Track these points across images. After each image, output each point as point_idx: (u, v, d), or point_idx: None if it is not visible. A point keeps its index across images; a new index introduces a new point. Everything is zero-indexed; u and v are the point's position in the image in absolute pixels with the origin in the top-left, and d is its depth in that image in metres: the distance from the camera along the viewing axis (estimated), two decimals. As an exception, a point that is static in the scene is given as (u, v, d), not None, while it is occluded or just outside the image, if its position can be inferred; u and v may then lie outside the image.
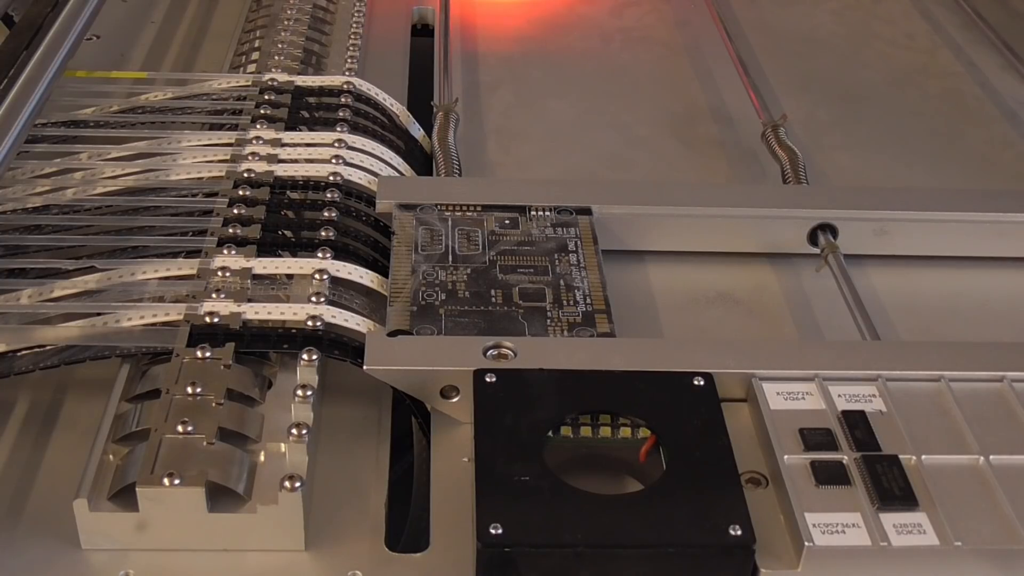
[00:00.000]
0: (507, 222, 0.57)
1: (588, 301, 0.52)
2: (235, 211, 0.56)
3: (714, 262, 0.60)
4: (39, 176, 0.59)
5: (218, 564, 0.42)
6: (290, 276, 0.52)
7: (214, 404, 0.45)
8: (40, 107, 0.64)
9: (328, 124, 0.64)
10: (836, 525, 0.41)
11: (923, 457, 0.44)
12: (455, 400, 0.48)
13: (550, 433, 0.45)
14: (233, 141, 0.62)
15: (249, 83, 0.67)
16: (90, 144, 0.62)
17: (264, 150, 0.61)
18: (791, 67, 0.81)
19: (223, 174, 0.59)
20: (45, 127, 0.63)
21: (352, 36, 0.76)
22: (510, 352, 0.48)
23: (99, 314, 0.50)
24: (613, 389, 0.46)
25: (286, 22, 0.76)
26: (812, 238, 0.60)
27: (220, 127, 0.64)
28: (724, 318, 0.57)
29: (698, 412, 0.46)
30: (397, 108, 0.69)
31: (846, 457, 0.44)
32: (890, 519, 0.42)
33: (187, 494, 0.41)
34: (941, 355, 0.49)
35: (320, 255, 0.53)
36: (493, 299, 0.52)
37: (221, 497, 0.42)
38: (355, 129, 0.64)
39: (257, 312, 0.50)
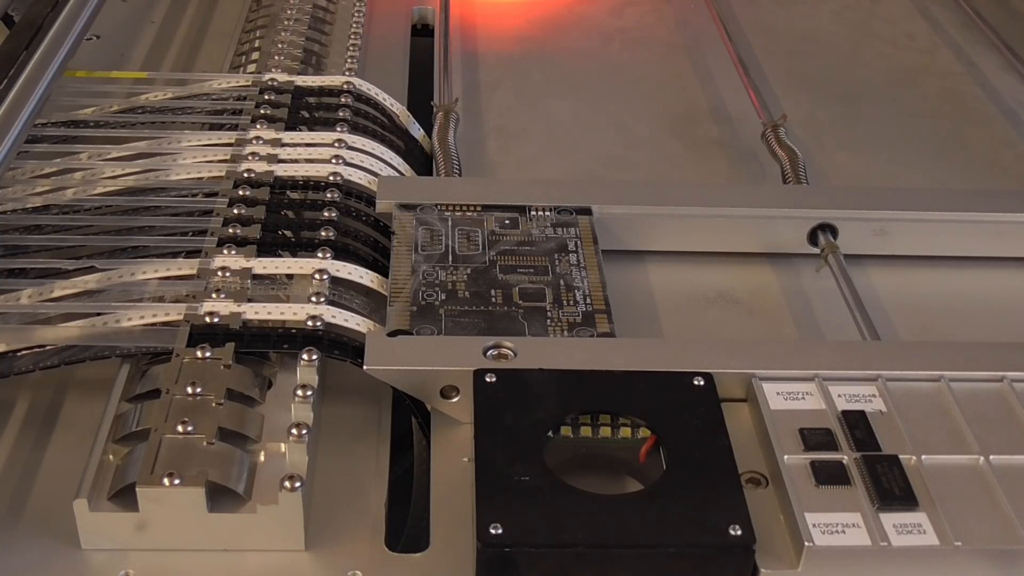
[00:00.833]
0: (507, 222, 0.57)
1: (588, 301, 0.52)
2: (235, 211, 0.56)
3: (714, 262, 0.60)
4: (39, 176, 0.59)
5: (218, 564, 0.42)
6: (290, 276, 0.52)
7: (214, 404, 0.45)
8: (40, 107, 0.64)
9: (328, 124, 0.64)
10: (836, 525, 0.41)
11: (923, 457, 0.44)
12: (455, 400, 0.48)
13: (550, 433, 0.45)
14: (233, 141, 0.62)
15: (249, 83, 0.67)
16: (90, 144, 0.62)
17: (264, 150, 0.61)
18: (791, 67, 0.81)
19: (223, 174, 0.59)
20: (45, 127, 0.63)
21: (352, 36, 0.76)
22: (510, 352, 0.48)
23: (99, 314, 0.50)
24: (613, 389, 0.46)
25: (286, 22, 0.76)
26: (812, 238, 0.60)
27: (220, 127, 0.64)
28: (724, 318, 0.57)
29: (698, 412, 0.46)
30: (397, 108, 0.69)
31: (846, 457, 0.44)
32: (890, 519, 0.42)
33: (187, 494, 0.41)
34: (941, 355, 0.49)
35: (320, 255, 0.53)
36: (493, 299, 0.52)
37: (221, 497, 0.42)
38: (355, 129, 0.64)
39: (257, 312, 0.50)
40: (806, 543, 0.41)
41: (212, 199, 0.57)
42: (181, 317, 0.49)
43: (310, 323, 0.49)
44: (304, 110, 0.65)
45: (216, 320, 0.49)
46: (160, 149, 0.61)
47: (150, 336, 0.48)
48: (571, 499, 0.42)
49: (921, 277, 0.60)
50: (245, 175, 0.59)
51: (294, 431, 0.44)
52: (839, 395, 0.47)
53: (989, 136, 0.74)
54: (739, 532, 0.41)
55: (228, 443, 0.44)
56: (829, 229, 0.59)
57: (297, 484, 0.41)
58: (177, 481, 0.41)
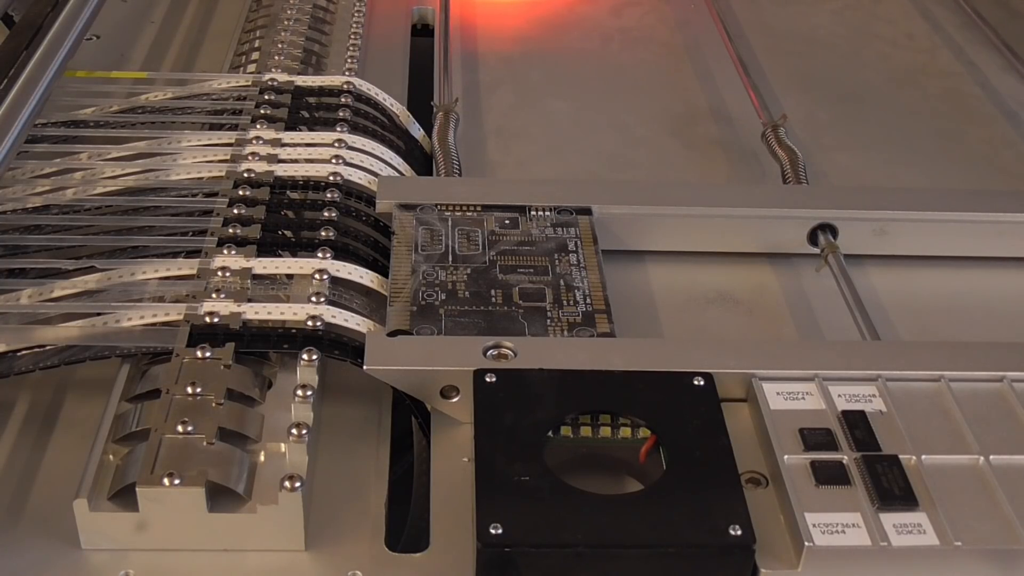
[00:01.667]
0: (507, 222, 0.57)
1: (588, 301, 0.52)
2: (235, 211, 0.56)
3: (714, 262, 0.60)
4: (39, 176, 0.59)
5: (218, 564, 0.42)
6: (290, 276, 0.52)
7: (214, 404, 0.45)
8: (40, 107, 0.64)
9: (328, 124, 0.64)
10: (836, 525, 0.41)
11: (923, 457, 0.44)
12: (455, 400, 0.48)
13: (550, 433, 0.45)
14: (233, 141, 0.62)
15: (249, 83, 0.67)
16: (90, 144, 0.62)
17: (264, 150, 0.61)
18: (791, 67, 0.81)
19: (223, 174, 0.59)
20: (45, 127, 0.63)
21: (352, 36, 0.76)
22: (510, 352, 0.48)
23: (99, 314, 0.50)
24: (613, 389, 0.46)
25: (286, 22, 0.76)
26: (812, 238, 0.60)
27: (220, 127, 0.64)
28: (724, 318, 0.57)
29: (698, 412, 0.46)
30: (397, 108, 0.69)
31: (846, 457, 0.44)
32: (890, 519, 0.42)
33: (187, 494, 0.41)
34: (941, 355, 0.49)
35: (320, 255, 0.53)
36: (493, 299, 0.52)
37: (221, 497, 0.42)
38: (355, 129, 0.64)
39: (257, 312, 0.50)
40: (806, 543, 0.41)
41: (212, 199, 0.57)
42: (181, 317, 0.49)
43: (310, 323, 0.49)
44: (304, 110, 0.65)
45: (216, 320, 0.49)
46: (160, 149, 0.61)
47: (150, 336, 0.48)
48: (571, 499, 0.42)
49: (921, 277, 0.60)
50: (245, 175, 0.59)
51: (294, 431, 0.44)
52: (839, 395, 0.47)
53: (989, 136, 0.74)
54: (739, 532, 0.41)
55: (228, 443, 0.44)
56: (829, 229, 0.59)
57: (297, 484, 0.41)
58: (177, 481, 0.41)
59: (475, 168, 0.68)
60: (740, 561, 0.41)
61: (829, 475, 0.43)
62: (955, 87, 0.80)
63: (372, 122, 0.65)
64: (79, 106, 0.66)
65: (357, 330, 0.50)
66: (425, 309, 0.51)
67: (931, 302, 0.59)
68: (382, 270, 0.54)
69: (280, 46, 0.72)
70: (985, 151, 0.73)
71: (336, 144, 0.62)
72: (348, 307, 0.51)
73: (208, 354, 0.47)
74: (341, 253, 0.54)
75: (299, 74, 0.69)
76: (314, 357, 0.48)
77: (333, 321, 0.50)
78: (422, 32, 0.86)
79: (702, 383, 0.47)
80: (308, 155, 0.61)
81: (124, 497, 0.42)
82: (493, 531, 0.40)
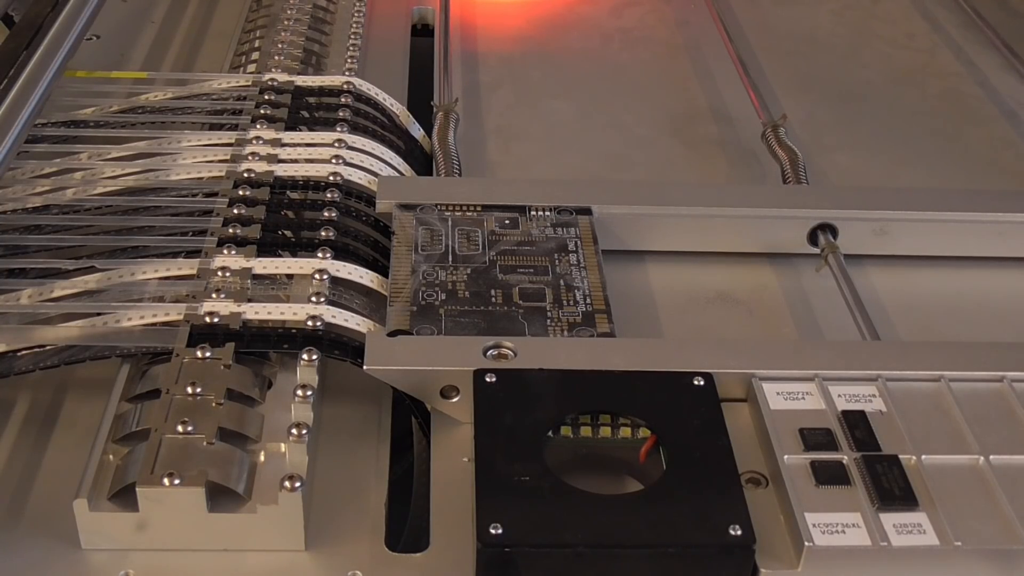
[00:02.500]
0: (507, 222, 0.57)
1: (588, 301, 0.52)
2: (235, 211, 0.56)
3: (714, 262, 0.60)
4: (39, 176, 0.59)
5: (218, 564, 0.42)
6: (290, 276, 0.52)
7: (214, 404, 0.45)
8: (40, 107, 0.64)
9: (328, 124, 0.64)
10: (836, 525, 0.41)
11: (923, 457, 0.44)
12: (455, 400, 0.48)
13: (550, 433, 0.45)
14: (233, 141, 0.62)
15: (249, 83, 0.67)
16: (90, 144, 0.62)
17: (264, 150, 0.61)
18: (791, 67, 0.81)
19: (223, 174, 0.59)
20: (45, 127, 0.63)
21: (352, 36, 0.76)
22: (510, 352, 0.48)
23: (99, 314, 0.50)
24: (613, 389, 0.46)
25: (286, 22, 0.76)
26: (812, 238, 0.60)
27: (220, 127, 0.64)
28: (724, 318, 0.57)
29: (698, 412, 0.46)
30: (397, 108, 0.69)
31: (846, 457, 0.44)
32: (890, 519, 0.42)
33: (187, 494, 0.41)
34: (941, 355, 0.49)
35: (320, 255, 0.53)
36: (493, 299, 0.52)
37: (221, 497, 0.42)
38: (355, 129, 0.64)
39: (257, 312, 0.50)
40: (806, 543, 0.41)
41: (212, 199, 0.57)
42: (181, 317, 0.49)
43: (310, 323, 0.49)
44: (304, 110, 0.65)
45: (216, 320, 0.49)
46: (160, 149, 0.61)
47: (150, 336, 0.48)
48: (571, 499, 0.42)
49: (921, 277, 0.60)
50: (245, 175, 0.59)
51: (294, 431, 0.44)
52: (839, 395, 0.47)
53: (989, 136, 0.74)
54: (739, 532, 0.41)
55: (228, 443, 0.44)
56: (829, 229, 0.59)
57: (297, 484, 0.41)
58: (177, 481, 0.41)
59: (475, 168, 0.68)
60: (740, 561, 0.41)
61: (829, 475, 0.43)
62: (955, 87, 0.80)
63: (372, 122, 0.65)
64: (79, 106, 0.66)
65: (357, 330, 0.50)
66: (425, 309, 0.51)
67: (931, 302, 0.59)
68: (382, 270, 0.54)
69: (280, 46, 0.72)
70: (985, 151, 0.73)
71: (336, 144, 0.62)
72: (348, 307, 0.51)
73: (208, 354, 0.47)
74: (341, 253, 0.54)
75: (299, 74, 0.69)
76: (314, 357, 0.48)
77: (333, 321, 0.50)
78: (422, 32, 0.86)
79: (702, 383, 0.47)
80: (308, 155, 0.61)
81: (124, 497, 0.42)
82: (493, 531, 0.40)
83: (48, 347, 0.49)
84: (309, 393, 0.46)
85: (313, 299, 0.50)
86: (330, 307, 0.50)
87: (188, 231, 0.55)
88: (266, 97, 0.65)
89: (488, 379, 0.46)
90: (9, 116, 0.61)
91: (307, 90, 0.67)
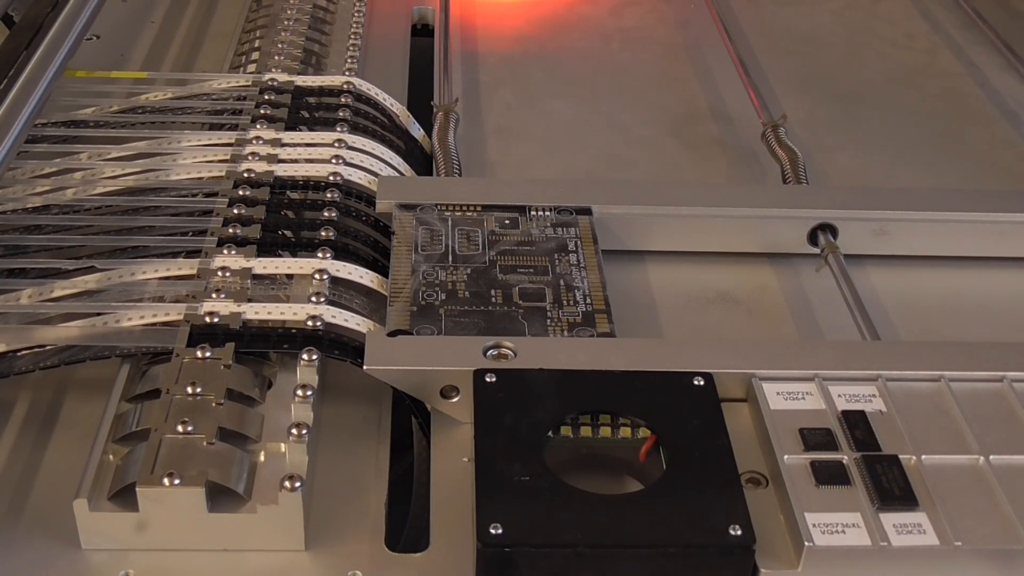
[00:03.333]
0: (507, 222, 0.57)
1: (588, 301, 0.52)
2: (235, 211, 0.56)
3: (714, 262, 0.60)
4: (39, 176, 0.59)
5: (218, 564, 0.42)
6: (290, 276, 0.52)
7: (214, 404, 0.45)
8: (40, 107, 0.64)
9: (328, 124, 0.64)
10: (836, 525, 0.41)
11: (923, 457, 0.44)
12: (455, 400, 0.48)
13: (550, 433, 0.45)
14: (233, 141, 0.62)
15: (249, 83, 0.67)
16: (90, 144, 0.62)
17: (264, 150, 0.61)
18: (791, 67, 0.81)
19: (223, 174, 0.59)
20: (45, 127, 0.63)
21: (352, 36, 0.76)
22: (510, 352, 0.48)
23: (99, 314, 0.50)
24: (613, 389, 0.46)
25: (286, 22, 0.76)
26: (812, 238, 0.60)
27: (220, 127, 0.64)
28: (724, 318, 0.57)
29: (698, 412, 0.46)
30: (397, 108, 0.69)
31: (846, 457, 0.44)
32: (890, 519, 0.42)
33: (187, 494, 0.41)
34: (941, 355, 0.49)
35: (320, 255, 0.53)
36: (493, 299, 0.52)
37: (221, 497, 0.42)
38: (355, 129, 0.64)
39: (257, 312, 0.50)
40: (806, 543, 0.41)
41: (212, 199, 0.57)
42: (181, 317, 0.49)
43: (310, 323, 0.49)
44: (304, 110, 0.65)
45: (216, 320, 0.49)
46: (160, 149, 0.61)
47: (150, 336, 0.48)
48: (571, 499, 0.42)
49: (921, 277, 0.60)
50: (245, 175, 0.59)
51: (294, 431, 0.44)
52: (839, 395, 0.47)
53: (989, 136, 0.74)
54: (739, 532, 0.41)
55: (228, 443, 0.44)
56: (829, 229, 0.59)
57: (297, 484, 0.41)
58: (177, 481, 0.41)
59: (475, 168, 0.68)
60: (740, 561, 0.41)
61: (829, 475, 0.43)
62: (955, 87, 0.80)
63: (372, 122, 0.65)
64: (79, 106, 0.66)
65: (357, 330, 0.50)
66: (425, 309, 0.51)
67: (931, 302, 0.59)
68: (382, 270, 0.54)
69: (280, 46, 0.72)
70: (985, 151, 0.73)
71: (336, 144, 0.62)
72: (348, 307, 0.51)
73: (208, 354, 0.47)
74: (341, 253, 0.54)
75: (299, 74, 0.69)
76: (314, 357, 0.48)
77: (333, 321, 0.50)
78: (422, 32, 0.86)
79: (702, 383, 0.47)
80: (308, 155, 0.61)
81: (124, 497, 0.42)
82: (493, 531, 0.40)
83: (48, 347, 0.49)
84: (309, 393, 0.46)
85: (313, 299, 0.50)
86: (330, 307, 0.50)
87: (188, 231, 0.55)
88: (266, 97, 0.65)
89: (488, 379, 0.46)
90: (9, 116, 0.61)
91: (307, 90, 0.67)
